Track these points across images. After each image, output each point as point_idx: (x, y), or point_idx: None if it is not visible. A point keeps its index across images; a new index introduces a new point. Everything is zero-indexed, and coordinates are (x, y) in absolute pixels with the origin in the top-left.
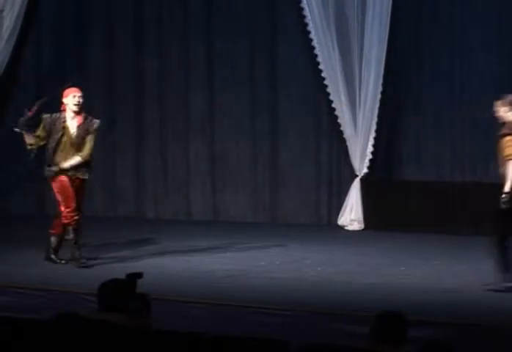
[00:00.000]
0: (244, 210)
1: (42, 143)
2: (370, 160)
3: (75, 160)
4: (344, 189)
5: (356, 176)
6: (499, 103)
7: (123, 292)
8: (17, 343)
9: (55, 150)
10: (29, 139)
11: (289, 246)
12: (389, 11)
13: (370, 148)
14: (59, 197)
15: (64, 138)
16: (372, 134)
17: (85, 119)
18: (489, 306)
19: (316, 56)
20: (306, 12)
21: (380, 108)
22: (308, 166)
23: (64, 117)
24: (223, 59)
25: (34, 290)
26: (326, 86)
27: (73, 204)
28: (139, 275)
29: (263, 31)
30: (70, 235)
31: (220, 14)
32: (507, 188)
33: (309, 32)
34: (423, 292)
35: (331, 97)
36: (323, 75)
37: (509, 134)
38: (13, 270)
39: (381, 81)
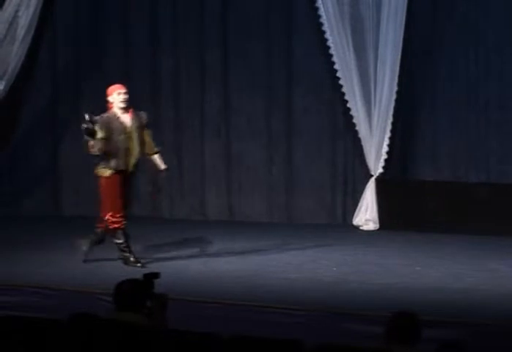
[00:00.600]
0: (259, 210)
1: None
2: (385, 160)
3: (158, 155)
4: (359, 189)
5: (371, 176)
6: None
7: (140, 292)
8: (33, 343)
9: (124, 151)
10: (96, 143)
11: (304, 246)
12: (405, 10)
13: (385, 148)
14: (107, 200)
15: (127, 137)
16: (388, 134)
17: (133, 112)
18: (505, 307)
19: (331, 55)
20: (321, 12)
21: (395, 108)
22: (323, 166)
23: (116, 115)
24: (238, 59)
25: (50, 290)
26: (341, 85)
27: (122, 209)
28: (156, 275)
29: (278, 30)
30: (121, 239)
31: (236, 14)
32: None
33: (324, 32)
34: (439, 292)
35: (346, 97)
36: (338, 74)
37: None
38: (28, 271)
39: (396, 80)
